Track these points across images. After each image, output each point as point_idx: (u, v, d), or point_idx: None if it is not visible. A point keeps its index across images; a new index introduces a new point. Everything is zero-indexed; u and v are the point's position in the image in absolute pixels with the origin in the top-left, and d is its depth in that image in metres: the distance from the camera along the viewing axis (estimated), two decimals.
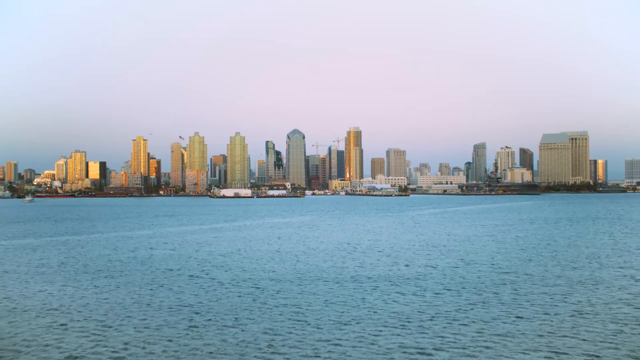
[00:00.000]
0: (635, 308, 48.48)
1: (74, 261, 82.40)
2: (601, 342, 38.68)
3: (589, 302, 51.02)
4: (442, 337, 39.99)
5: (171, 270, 72.30)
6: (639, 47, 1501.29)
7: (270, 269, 72.06)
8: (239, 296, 54.77)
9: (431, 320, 44.73)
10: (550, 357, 35.73)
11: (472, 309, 48.38)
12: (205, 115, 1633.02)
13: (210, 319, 45.69)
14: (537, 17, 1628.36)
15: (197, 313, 47.82)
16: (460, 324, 43.42)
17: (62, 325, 44.66)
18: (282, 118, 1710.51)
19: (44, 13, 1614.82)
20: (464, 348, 37.53)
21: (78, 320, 46.13)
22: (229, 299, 53.61)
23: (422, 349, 37.36)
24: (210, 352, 37.27)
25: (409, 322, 44.18)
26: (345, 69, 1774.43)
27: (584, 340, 39.21)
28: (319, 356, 36.34)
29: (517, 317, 45.52)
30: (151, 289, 58.83)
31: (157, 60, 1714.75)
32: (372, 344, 38.78)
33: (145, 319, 46.00)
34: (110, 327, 43.98)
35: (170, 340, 40.16)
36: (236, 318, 45.88)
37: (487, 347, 37.73)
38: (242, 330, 42.15)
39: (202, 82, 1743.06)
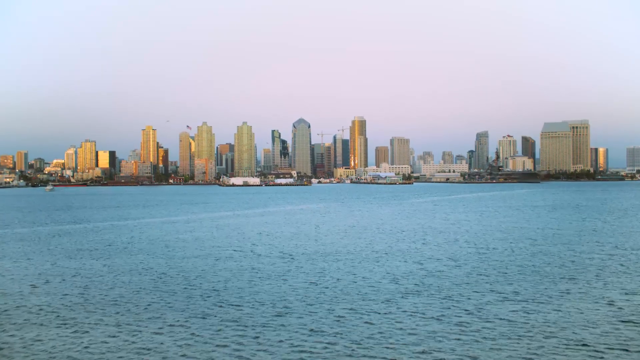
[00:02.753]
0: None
1: (149, 240, 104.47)
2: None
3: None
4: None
5: (228, 249, 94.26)
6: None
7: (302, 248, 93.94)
8: (287, 268, 76.51)
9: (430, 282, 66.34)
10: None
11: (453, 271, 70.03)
12: (212, 104, 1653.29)
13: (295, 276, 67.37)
14: (538, 9, 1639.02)
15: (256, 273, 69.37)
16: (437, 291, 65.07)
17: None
18: (288, 107, 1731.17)
19: (56, 2, 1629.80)
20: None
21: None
22: (279, 269, 75.39)
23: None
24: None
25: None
26: (350, 61, 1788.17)
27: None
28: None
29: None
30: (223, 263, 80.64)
31: (166, 51, 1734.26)
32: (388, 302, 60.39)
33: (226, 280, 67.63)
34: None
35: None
36: (285, 275, 67.41)
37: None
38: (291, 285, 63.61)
39: (210, 72, 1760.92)
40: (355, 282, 60.01)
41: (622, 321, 43.84)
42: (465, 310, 47.66)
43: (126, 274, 67.21)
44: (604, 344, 38.33)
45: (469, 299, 51.77)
